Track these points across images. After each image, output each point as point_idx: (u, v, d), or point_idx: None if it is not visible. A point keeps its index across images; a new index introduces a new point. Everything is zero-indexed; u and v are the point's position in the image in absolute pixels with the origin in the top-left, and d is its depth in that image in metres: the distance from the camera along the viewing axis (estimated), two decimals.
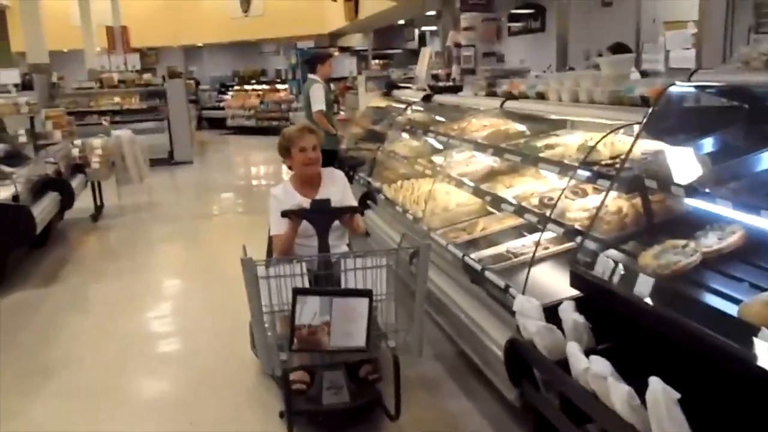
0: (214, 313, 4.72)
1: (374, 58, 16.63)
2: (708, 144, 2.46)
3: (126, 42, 14.16)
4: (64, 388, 3.73)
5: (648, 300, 2.15)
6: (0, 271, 5.14)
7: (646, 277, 2.20)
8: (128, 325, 4.67)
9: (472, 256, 3.36)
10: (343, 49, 19.85)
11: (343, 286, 2.81)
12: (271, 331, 2.86)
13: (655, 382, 1.81)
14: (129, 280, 5.81)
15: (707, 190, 2.27)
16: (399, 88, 7.21)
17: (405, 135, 5.63)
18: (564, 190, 3.13)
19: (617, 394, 1.94)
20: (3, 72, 7.68)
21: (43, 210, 5.75)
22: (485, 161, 4.20)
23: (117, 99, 12.81)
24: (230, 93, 20.34)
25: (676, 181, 2.40)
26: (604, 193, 2.64)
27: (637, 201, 2.62)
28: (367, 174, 5.79)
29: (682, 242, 2.29)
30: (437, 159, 4.81)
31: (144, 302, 5.15)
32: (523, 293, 2.67)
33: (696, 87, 2.60)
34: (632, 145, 2.58)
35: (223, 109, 19.65)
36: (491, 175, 4.03)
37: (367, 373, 3.08)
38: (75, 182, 7.22)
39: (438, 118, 5.16)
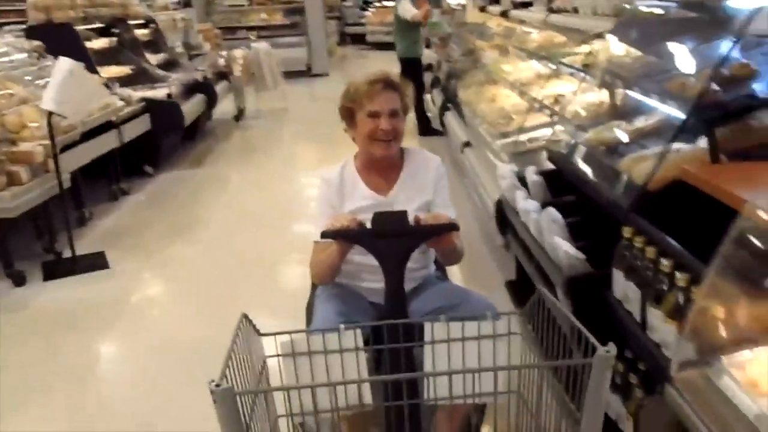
0: None
1: None
2: (660, 48, 3.07)
3: None
4: (192, 238, 5.03)
5: (578, 164, 2.91)
6: (156, 152, 6.58)
7: (582, 148, 2.95)
8: (250, 200, 5.93)
9: (498, 141, 4.16)
10: None
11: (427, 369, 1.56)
12: None
13: (544, 213, 2.62)
14: (258, 167, 7.12)
15: (647, 84, 2.93)
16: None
17: (482, 47, 6.34)
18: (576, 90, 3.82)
19: (530, 219, 2.76)
20: None
21: (190, 107, 7.09)
22: (535, 68, 4.88)
23: (263, 15, 14.16)
24: (371, 9, 21.23)
25: (628, 77, 3.07)
26: (579, 89, 3.34)
27: (607, 95, 3.30)
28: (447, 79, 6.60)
29: (619, 122, 2.99)
30: (506, 67, 5.52)
31: (266, 185, 6.40)
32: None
33: None
34: (600, 50, 3.24)
35: (364, 25, 20.65)
36: (536, 80, 4.72)
37: None
38: (219, 87, 8.57)
39: (509, 30, 5.81)
